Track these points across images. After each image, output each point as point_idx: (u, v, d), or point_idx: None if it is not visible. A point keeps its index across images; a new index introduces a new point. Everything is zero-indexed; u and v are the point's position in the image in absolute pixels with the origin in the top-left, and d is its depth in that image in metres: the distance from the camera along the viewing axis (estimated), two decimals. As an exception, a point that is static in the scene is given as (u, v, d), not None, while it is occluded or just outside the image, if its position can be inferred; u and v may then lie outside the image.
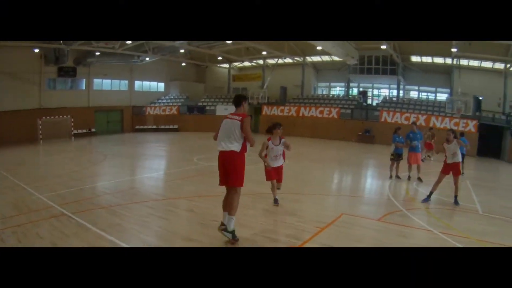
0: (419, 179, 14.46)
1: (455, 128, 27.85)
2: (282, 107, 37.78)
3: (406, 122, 30.60)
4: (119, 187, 12.13)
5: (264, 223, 8.34)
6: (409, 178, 14.75)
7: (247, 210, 9.25)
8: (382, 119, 32.78)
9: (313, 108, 36.16)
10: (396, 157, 14.72)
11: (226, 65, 45.39)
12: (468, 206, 11.49)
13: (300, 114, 36.61)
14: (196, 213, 9.15)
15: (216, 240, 7.03)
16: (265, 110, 38.46)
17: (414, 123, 15.59)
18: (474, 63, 32.74)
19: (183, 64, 43.38)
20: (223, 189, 7.13)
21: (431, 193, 11.32)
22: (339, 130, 34.22)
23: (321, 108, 35.90)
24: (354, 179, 15.94)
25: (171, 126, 39.89)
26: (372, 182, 15.47)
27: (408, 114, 32.08)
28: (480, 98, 31.01)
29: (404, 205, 10.70)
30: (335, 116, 35.07)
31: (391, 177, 14.85)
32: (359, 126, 33.80)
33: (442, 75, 35.85)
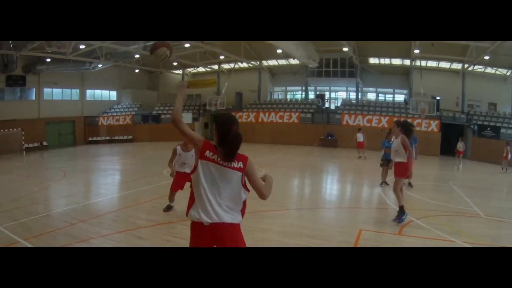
0: (410, 184, 14.58)
1: (418, 128, 28.75)
2: (240, 113, 37.62)
3: (368, 125, 31.40)
4: (92, 211, 10.29)
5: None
6: (385, 183, 14.87)
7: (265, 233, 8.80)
8: (344, 122, 33.30)
9: (272, 113, 36.23)
10: (386, 162, 14.60)
11: (180, 71, 44.74)
12: (467, 210, 11.79)
13: (259, 120, 36.60)
14: None
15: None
16: None
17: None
18: (432, 63, 33.93)
19: (136, 70, 42.29)
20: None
21: (402, 208, 9.83)
22: (300, 135, 34.48)
23: (281, 113, 36.06)
24: (343, 188, 15.89)
25: (125, 137, 38.62)
26: (362, 190, 15.46)
27: (370, 116, 32.91)
28: (438, 98, 32.09)
29: (411, 215, 10.60)
30: (296, 121, 35.31)
31: (382, 183, 14.81)
32: (321, 130, 34.23)
33: (400, 76, 37.03)
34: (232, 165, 3.63)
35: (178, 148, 9.20)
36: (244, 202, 3.78)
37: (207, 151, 3.69)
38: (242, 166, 3.66)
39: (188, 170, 9.02)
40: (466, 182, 17.58)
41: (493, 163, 25.61)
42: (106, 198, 12.29)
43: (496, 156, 26.24)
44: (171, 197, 9.92)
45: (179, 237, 7.86)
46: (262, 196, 3.81)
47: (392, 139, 14.24)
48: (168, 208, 10.00)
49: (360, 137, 25.01)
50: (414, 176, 13.94)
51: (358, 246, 7.99)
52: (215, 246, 3.72)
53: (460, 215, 11.16)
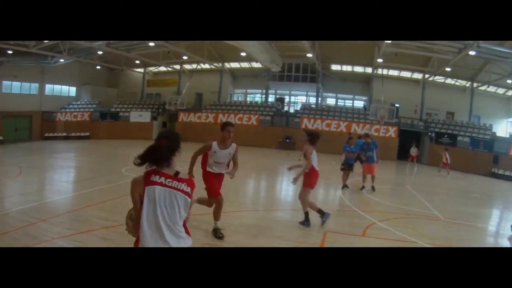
0: (373, 188, 14.84)
1: (375, 134, 29.56)
2: (199, 114, 37.44)
3: (327, 129, 31.91)
4: (52, 210, 9.73)
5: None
6: (362, 188, 15.04)
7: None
8: (303, 126, 33.63)
9: (232, 115, 36.23)
10: (347, 167, 14.86)
11: (141, 70, 44.15)
12: (428, 213, 12.23)
13: (218, 121, 36.48)
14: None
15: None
16: (182, 117, 37.90)
17: (367, 134, 15.85)
18: (394, 72, 34.93)
19: (98, 67, 41.29)
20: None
21: (320, 211, 9.70)
22: (259, 137, 34.61)
23: (241, 115, 36.10)
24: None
25: (82, 134, 37.33)
26: (324, 193, 15.59)
27: (329, 121, 33.36)
28: (397, 105, 33.00)
29: (373, 217, 10.89)
30: (255, 123, 35.45)
31: (343, 187, 15.00)
32: (280, 132, 34.51)
33: (361, 83, 37.98)
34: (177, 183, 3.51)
35: (215, 144, 7.69)
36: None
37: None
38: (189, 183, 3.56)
39: (223, 171, 8.02)
40: (424, 186, 18.11)
41: (450, 169, 26.55)
42: (66, 197, 11.77)
43: (453, 162, 27.32)
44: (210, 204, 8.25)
45: None
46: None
47: (352, 144, 14.69)
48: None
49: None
50: (379, 180, 14.36)
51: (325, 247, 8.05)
52: None
53: (421, 218, 11.49)
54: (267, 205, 12.29)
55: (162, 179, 3.38)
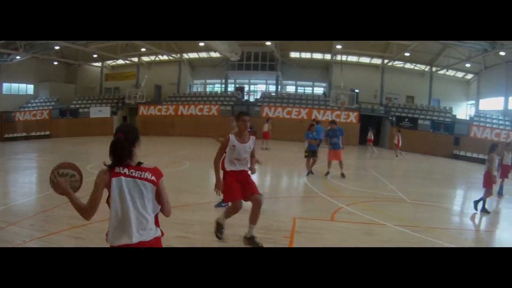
0: (342, 175, 14.80)
1: (337, 120, 29.87)
2: (159, 107, 36.89)
3: (288, 117, 32.01)
4: (20, 213, 9.12)
5: (228, 241, 7.46)
6: (327, 173, 14.97)
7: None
8: (264, 114, 33.63)
9: (192, 106, 35.88)
10: (310, 153, 14.79)
11: (99, 64, 43.04)
12: (393, 195, 12.39)
13: (179, 113, 36.10)
14: None
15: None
16: (142, 110, 37.25)
17: (333, 121, 15.62)
18: (353, 58, 35.30)
19: (55, 63, 39.89)
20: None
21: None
22: (220, 127, 34.34)
23: (201, 106, 35.80)
24: (272, 178, 15.92)
25: (42, 133, 35.65)
26: (290, 180, 15.59)
27: (289, 109, 33.50)
28: (357, 91, 33.39)
29: (340, 202, 10.90)
30: (216, 113, 35.23)
31: (308, 174, 14.97)
32: (241, 122, 34.38)
33: (320, 70, 38.24)
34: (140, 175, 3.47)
35: (232, 137, 6.96)
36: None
37: None
38: (154, 178, 3.51)
39: (244, 167, 7.19)
40: (387, 169, 18.35)
41: (411, 151, 27.08)
42: (32, 198, 11.15)
43: (414, 145, 28.08)
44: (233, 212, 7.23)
45: None
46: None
47: (314, 131, 14.67)
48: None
49: (265, 127, 25.19)
50: (344, 165, 14.41)
51: (295, 233, 8.00)
52: None
53: (387, 200, 11.61)
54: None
55: (126, 170, 3.38)
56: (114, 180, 3.35)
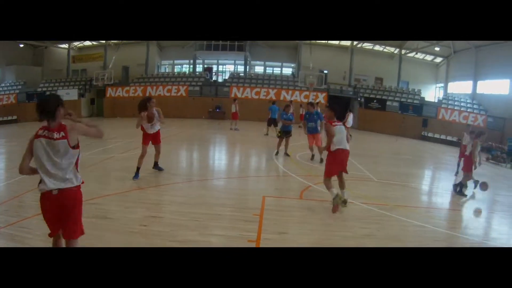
0: (321, 160, 14.39)
1: (305, 100, 30.33)
2: (127, 88, 36.43)
3: (256, 97, 32.17)
4: None
5: (200, 219, 7.52)
6: (312, 157, 14.84)
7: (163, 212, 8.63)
8: (232, 95, 33.68)
9: (160, 87, 35.60)
10: (283, 134, 14.93)
11: (66, 46, 42.02)
12: (361, 175, 12.86)
13: (147, 94, 35.73)
14: (113, 219, 7.36)
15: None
16: (110, 92, 36.70)
17: (311, 103, 15.13)
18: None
19: (21, 45, 38.63)
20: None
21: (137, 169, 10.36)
22: (188, 108, 34.29)
23: (169, 87, 35.53)
24: (241, 159, 16.03)
25: (9, 117, 34.31)
26: (260, 160, 15.65)
27: (258, 89, 33.58)
28: (326, 72, 33.69)
29: (309, 180, 11.23)
30: (184, 94, 35.04)
31: (277, 153, 15.14)
32: (209, 102, 34.38)
33: (288, 50, 38.31)
34: (56, 137, 4.14)
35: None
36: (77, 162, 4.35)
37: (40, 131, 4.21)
38: (64, 135, 4.16)
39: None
40: (356, 150, 18.59)
41: (379, 132, 27.63)
42: (3, 184, 11.13)
43: (383, 126, 28.75)
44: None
45: (89, 216, 7.44)
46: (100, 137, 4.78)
47: (289, 112, 14.79)
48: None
49: (232, 107, 25.33)
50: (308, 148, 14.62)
51: (265, 211, 8.20)
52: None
53: (355, 180, 11.91)
54: (204, 174, 12.23)
55: (46, 132, 4.13)
56: (34, 142, 4.14)
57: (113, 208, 7.83)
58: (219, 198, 9.16)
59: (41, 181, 4.18)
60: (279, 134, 15.03)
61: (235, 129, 24.45)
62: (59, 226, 4.36)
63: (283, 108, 15.42)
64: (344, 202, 8.33)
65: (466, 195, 11.08)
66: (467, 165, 11.22)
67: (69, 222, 4.34)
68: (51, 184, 4.11)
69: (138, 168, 10.22)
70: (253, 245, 6.36)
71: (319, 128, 14.20)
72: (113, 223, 7.00)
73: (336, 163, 8.70)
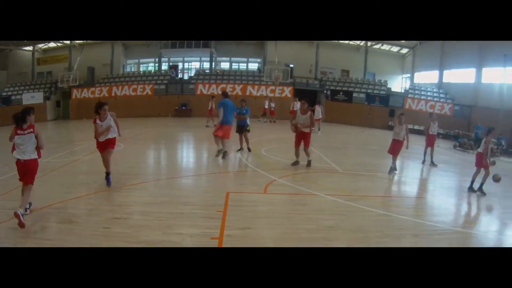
0: (249, 149, 14.83)
1: (271, 95, 30.47)
2: (92, 89, 35.70)
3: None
4: None
5: (163, 219, 7.37)
6: (247, 149, 14.88)
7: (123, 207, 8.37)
8: (198, 92, 33.47)
9: (125, 87, 35.10)
10: (238, 129, 14.78)
11: (30, 48, 40.87)
12: (327, 167, 12.89)
13: (113, 94, 35.14)
14: (77, 223, 7.09)
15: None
16: (75, 93, 35.89)
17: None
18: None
19: None
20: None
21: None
22: (155, 107, 33.90)
23: (134, 86, 35.05)
24: (204, 156, 15.75)
25: None
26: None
27: (224, 85, 33.40)
28: (292, 65, 33.78)
29: (273, 175, 11.14)
30: (150, 93, 34.60)
31: (240, 149, 14.90)
32: (175, 100, 34.05)
33: (254, 46, 38.16)
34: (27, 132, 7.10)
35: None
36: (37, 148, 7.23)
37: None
38: (32, 130, 7.11)
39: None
40: (322, 142, 18.69)
41: (346, 124, 27.81)
42: None
43: (350, 117, 29.00)
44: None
45: (54, 221, 7.15)
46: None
47: (243, 106, 14.55)
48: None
49: (209, 104, 25.15)
50: (274, 140, 14.51)
51: (228, 207, 8.12)
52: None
53: (320, 172, 11.93)
54: (170, 173, 12.01)
55: (21, 131, 7.08)
56: (16, 137, 7.07)
57: (77, 212, 7.63)
58: (183, 197, 9.00)
59: None
60: (236, 129, 14.75)
61: (211, 126, 24.20)
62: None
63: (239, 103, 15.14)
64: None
65: (485, 193, 10.64)
66: (480, 161, 11.03)
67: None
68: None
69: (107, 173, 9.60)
70: (215, 242, 6.28)
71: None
72: (77, 227, 6.81)
73: None
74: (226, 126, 13.15)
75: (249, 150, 14.77)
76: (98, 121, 9.46)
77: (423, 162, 14.96)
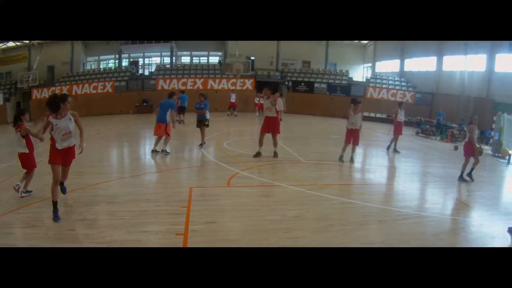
0: (201, 145, 14.54)
1: (232, 88, 30.48)
2: (53, 88, 34.76)
3: (183, 88, 31.70)
4: None
5: (128, 217, 7.24)
6: (200, 144, 14.63)
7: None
8: (159, 87, 33.13)
9: (86, 85, 34.44)
10: (197, 123, 14.64)
11: None
12: (290, 157, 12.90)
13: (73, 93, 34.35)
14: (41, 227, 6.85)
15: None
16: (35, 93, 34.91)
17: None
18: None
19: None
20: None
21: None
22: (116, 104, 33.34)
23: (95, 84, 34.38)
24: (170, 151, 15.59)
25: None
26: (188, 151, 15.25)
27: (185, 80, 33.15)
28: (253, 58, 33.78)
29: (236, 167, 11.08)
30: (110, 90, 34.01)
31: (201, 144, 14.67)
32: (136, 97, 33.60)
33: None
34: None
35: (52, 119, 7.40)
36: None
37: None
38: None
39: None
40: (284, 133, 18.62)
41: (308, 114, 27.98)
42: None
43: (312, 108, 29.22)
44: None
45: (17, 226, 6.93)
46: None
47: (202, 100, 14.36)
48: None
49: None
50: (236, 133, 14.43)
51: (192, 202, 8.03)
52: None
53: (284, 162, 11.94)
54: (133, 171, 11.76)
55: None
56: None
57: (41, 216, 7.35)
58: (147, 194, 8.85)
59: None
60: (197, 124, 14.67)
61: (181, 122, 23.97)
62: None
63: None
64: None
65: (473, 180, 10.95)
66: (469, 150, 11.16)
67: None
68: None
69: (55, 203, 7.24)
70: (181, 238, 6.22)
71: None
72: (41, 231, 6.60)
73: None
74: (158, 124, 13.17)
75: (201, 145, 14.50)
76: (52, 118, 7.34)
77: (388, 148, 15.17)
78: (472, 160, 10.99)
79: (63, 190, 8.21)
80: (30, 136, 8.46)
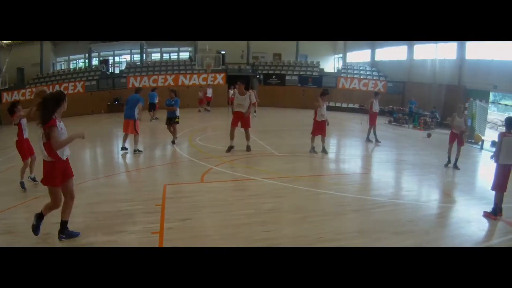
0: (173, 142, 14.40)
1: (203, 83, 30.63)
2: (23, 91, 34.15)
3: (154, 85, 31.50)
4: None
5: (103, 218, 7.05)
6: (172, 142, 14.49)
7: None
8: (130, 85, 32.78)
9: (56, 86, 33.78)
10: (167, 120, 14.51)
11: None
12: (263, 151, 12.91)
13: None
14: (16, 232, 6.69)
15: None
16: (5, 97, 34.17)
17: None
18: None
19: None
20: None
21: None
22: (87, 104, 32.88)
23: (65, 84, 33.80)
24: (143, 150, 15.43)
25: None
26: (159, 149, 15.09)
27: (155, 77, 32.93)
28: (223, 52, 33.68)
29: (209, 163, 11.00)
30: (81, 90, 33.48)
31: (172, 141, 14.48)
32: (107, 96, 33.21)
33: (183, 35, 37.70)
34: None
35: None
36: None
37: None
38: None
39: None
40: (257, 127, 18.61)
41: (280, 107, 28.02)
42: None
43: (283, 100, 29.36)
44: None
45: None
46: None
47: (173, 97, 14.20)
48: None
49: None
50: (208, 128, 14.30)
51: (166, 200, 7.97)
52: None
53: (257, 156, 11.93)
54: (107, 171, 11.56)
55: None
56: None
57: (15, 221, 7.15)
58: (121, 194, 8.70)
59: None
60: (166, 121, 14.57)
61: (155, 119, 23.76)
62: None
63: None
64: None
65: (459, 168, 11.18)
66: (458, 139, 11.31)
67: None
68: None
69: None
70: (156, 236, 6.17)
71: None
72: (16, 237, 6.42)
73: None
74: (126, 120, 13.18)
75: (173, 142, 14.36)
76: (58, 122, 5.99)
77: (367, 139, 15.38)
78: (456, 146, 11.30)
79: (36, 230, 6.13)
80: (22, 125, 9.09)
